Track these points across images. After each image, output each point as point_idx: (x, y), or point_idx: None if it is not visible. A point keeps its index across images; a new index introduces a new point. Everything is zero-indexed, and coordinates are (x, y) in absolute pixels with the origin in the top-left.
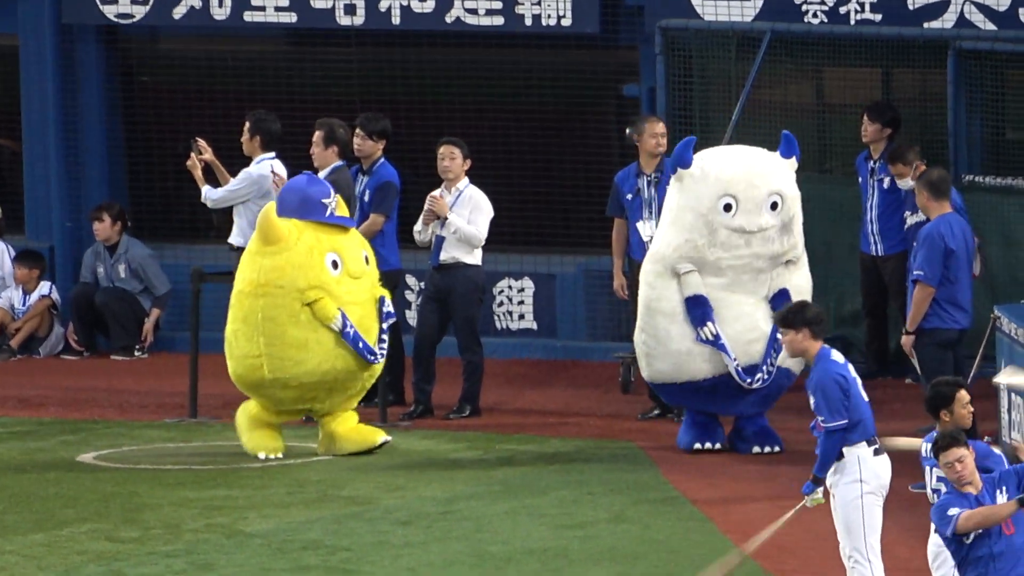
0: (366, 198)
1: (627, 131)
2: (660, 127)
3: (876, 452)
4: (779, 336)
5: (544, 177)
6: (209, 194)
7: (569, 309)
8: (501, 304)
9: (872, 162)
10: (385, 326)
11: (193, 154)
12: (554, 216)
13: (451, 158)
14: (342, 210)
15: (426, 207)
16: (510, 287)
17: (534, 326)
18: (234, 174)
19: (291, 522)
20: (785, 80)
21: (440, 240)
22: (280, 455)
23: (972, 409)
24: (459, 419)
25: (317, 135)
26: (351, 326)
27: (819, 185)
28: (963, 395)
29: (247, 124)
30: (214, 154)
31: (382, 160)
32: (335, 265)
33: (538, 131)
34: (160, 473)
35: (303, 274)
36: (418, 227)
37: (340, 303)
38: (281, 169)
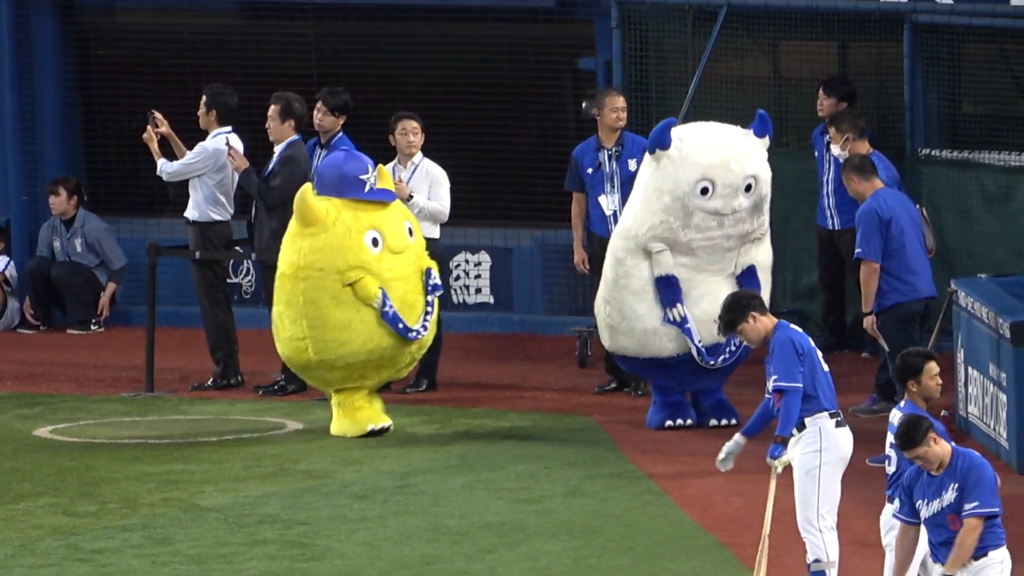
0: None
1: (583, 105)
2: (620, 101)
3: (838, 424)
4: (736, 337)
5: (501, 151)
6: (164, 167)
7: (526, 283)
8: (458, 278)
9: (828, 136)
10: (431, 298)
11: (149, 127)
12: (511, 190)
13: (414, 133)
14: (384, 182)
15: None
16: (467, 261)
17: (491, 300)
18: (190, 148)
19: (248, 496)
20: (741, 54)
21: None
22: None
23: (940, 381)
24: (416, 393)
25: (273, 109)
26: (390, 305)
27: (775, 159)
28: (932, 366)
29: (203, 98)
30: (170, 127)
31: (341, 135)
32: (375, 242)
33: (495, 105)
34: (117, 447)
35: (342, 255)
36: None
37: (382, 280)
38: (237, 143)
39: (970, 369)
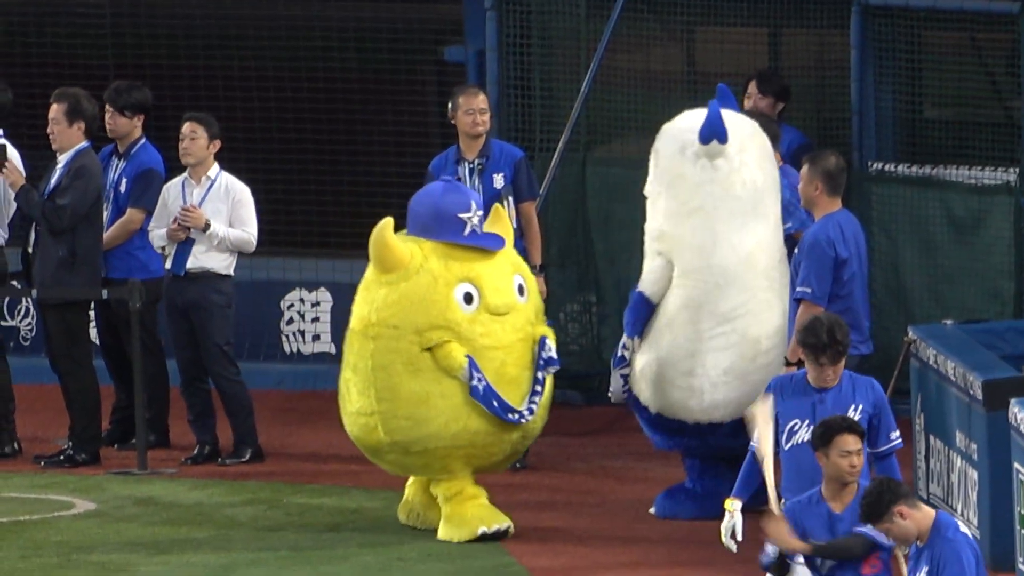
0: (122, 188)
1: (449, 106)
2: (479, 101)
3: None
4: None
5: (346, 163)
6: None
7: None
8: (291, 322)
9: None
10: (541, 375)
11: None
12: (359, 211)
13: (192, 137)
14: (496, 224)
15: (172, 223)
16: (302, 300)
17: (332, 349)
18: None
19: None
20: (648, 43)
21: (189, 243)
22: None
23: (856, 463)
24: (237, 464)
25: (57, 109)
26: (481, 379)
27: None
28: (846, 440)
29: None
30: None
31: (143, 141)
32: (468, 299)
33: (338, 105)
34: None
35: (424, 311)
36: (160, 241)
37: (473, 348)
38: (13, 154)
39: (932, 439)
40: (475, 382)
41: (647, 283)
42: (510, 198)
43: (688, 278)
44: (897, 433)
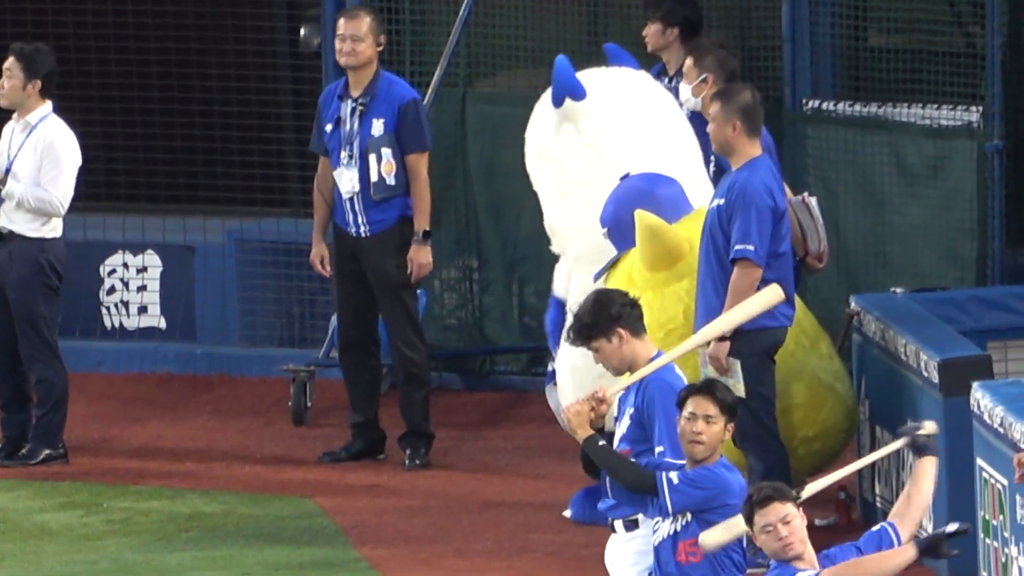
0: None
1: (303, 32)
2: (353, 24)
3: None
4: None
5: (178, 106)
6: None
7: (214, 299)
8: (113, 291)
9: (667, 79)
10: None
11: None
12: (192, 162)
13: (7, 76)
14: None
15: None
16: (126, 265)
17: (162, 324)
18: None
19: None
20: None
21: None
22: None
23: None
24: (41, 464)
25: None
26: None
27: None
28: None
29: None
30: None
31: None
32: None
33: (169, 41)
34: None
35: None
36: None
37: None
38: None
39: (878, 430)
40: None
41: (557, 285)
42: (384, 150)
43: (581, 264)
44: (661, 449)
